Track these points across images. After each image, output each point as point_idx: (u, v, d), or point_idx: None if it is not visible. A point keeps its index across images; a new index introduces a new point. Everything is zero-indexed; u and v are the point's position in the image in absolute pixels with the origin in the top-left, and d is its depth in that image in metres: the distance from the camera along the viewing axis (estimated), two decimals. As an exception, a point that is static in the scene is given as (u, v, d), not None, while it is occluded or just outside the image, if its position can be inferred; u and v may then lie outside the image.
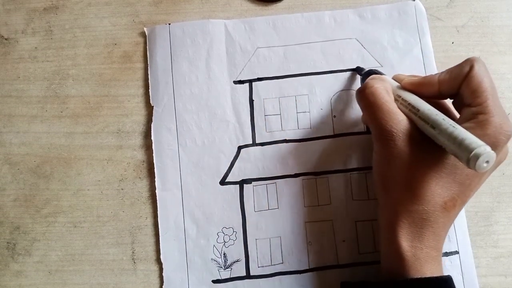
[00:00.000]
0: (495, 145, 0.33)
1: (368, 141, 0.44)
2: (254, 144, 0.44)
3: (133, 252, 0.43)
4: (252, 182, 0.44)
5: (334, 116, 0.45)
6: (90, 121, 0.45)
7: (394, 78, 0.40)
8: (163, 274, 0.42)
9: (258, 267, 0.42)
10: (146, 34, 0.46)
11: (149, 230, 0.43)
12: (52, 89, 0.46)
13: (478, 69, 0.34)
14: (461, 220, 0.43)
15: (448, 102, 0.39)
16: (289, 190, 0.43)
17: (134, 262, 0.43)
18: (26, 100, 0.46)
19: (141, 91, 0.46)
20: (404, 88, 0.38)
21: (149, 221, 0.44)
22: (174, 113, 0.45)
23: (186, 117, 0.45)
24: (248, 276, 0.42)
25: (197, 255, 0.42)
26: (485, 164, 0.29)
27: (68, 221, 0.44)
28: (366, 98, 0.36)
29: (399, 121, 0.35)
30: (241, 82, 0.45)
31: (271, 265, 0.42)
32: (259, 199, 0.43)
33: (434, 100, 0.37)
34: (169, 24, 0.46)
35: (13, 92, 0.46)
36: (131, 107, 0.46)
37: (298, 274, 0.42)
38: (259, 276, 0.42)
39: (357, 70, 0.45)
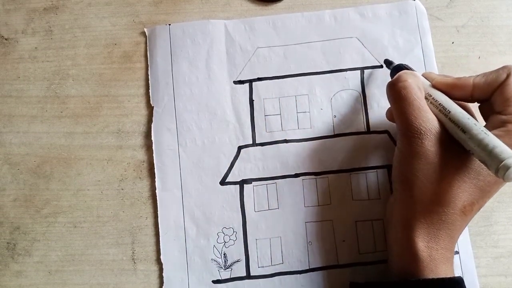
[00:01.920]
0: None
1: (368, 141, 0.44)
2: (254, 144, 0.44)
3: (133, 252, 0.43)
4: (252, 182, 0.44)
5: (334, 116, 0.45)
6: (90, 121, 0.45)
7: (425, 76, 0.39)
8: (163, 274, 0.42)
9: (258, 267, 0.42)
10: (146, 34, 0.47)
11: (149, 230, 0.43)
12: (52, 89, 0.46)
13: None
14: (461, 220, 0.43)
15: (471, 106, 0.38)
16: (289, 190, 0.43)
17: (134, 262, 0.43)
18: (26, 100, 0.46)
19: (141, 91, 0.46)
20: (435, 87, 0.37)
21: (149, 221, 0.44)
22: (174, 113, 0.45)
23: (186, 117, 0.45)
24: (248, 276, 0.42)
25: (197, 255, 0.42)
26: None
27: (68, 221, 0.44)
28: (397, 91, 0.35)
29: (429, 120, 0.34)
30: (241, 82, 0.45)
31: (271, 265, 0.42)
32: (259, 199, 0.43)
33: (460, 102, 0.37)
34: (169, 24, 0.46)
35: (13, 92, 0.46)
36: (131, 107, 0.46)
37: (298, 274, 0.42)
38: (259, 276, 0.42)
39: (386, 63, 0.44)
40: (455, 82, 0.36)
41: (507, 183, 0.43)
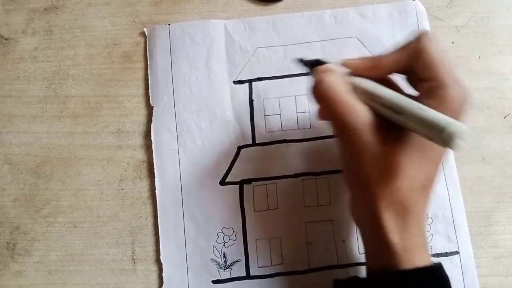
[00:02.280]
0: (458, 116, 0.32)
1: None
2: (254, 144, 0.44)
3: (133, 252, 0.43)
4: (252, 182, 0.44)
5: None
6: (90, 121, 0.45)
7: (344, 65, 0.36)
8: (163, 274, 0.42)
9: (258, 267, 0.42)
10: (146, 34, 0.47)
11: (149, 230, 0.43)
12: (52, 89, 0.46)
13: (429, 43, 0.33)
14: (462, 220, 0.43)
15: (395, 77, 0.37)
16: (289, 190, 0.43)
17: (134, 262, 0.43)
18: (26, 100, 0.46)
19: (141, 91, 0.46)
20: (356, 74, 0.35)
21: (149, 221, 0.44)
22: (174, 113, 0.45)
23: (186, 117, 0.45)
24: (248, 276, 0.42)
25: (197, 255, 0.42)
26: (460, 141, 0.28)
27: (68, 221, 0.44)
28: (322, 93, 0.34)
29: (360, 112, 0.33)
30: (240, 82, 0.45)
31: (271, 265, 0.42)
32: (259, 199, 0.43)
33: (382, 78, 0.36)
34: (169, 24, 0.46)
35: (13, 92, 0.46)
36: (131, 107, 0.46)
37: (298, 275, 0.42)
38: (259, 277, 0.42)
39: (302, 62, 0.40)
40: (374, 63, 0.35)
41: (507, 182, 0.43)
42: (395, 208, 0.33)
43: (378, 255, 0.34)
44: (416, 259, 0.33)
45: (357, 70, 0.35)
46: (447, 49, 0.34)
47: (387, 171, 0.32)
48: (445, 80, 0.32)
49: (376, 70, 0.35)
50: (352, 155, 0.34)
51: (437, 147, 0.32)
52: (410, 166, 0.32)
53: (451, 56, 0.34)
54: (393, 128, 0.32)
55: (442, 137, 0.28)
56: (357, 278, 0.35)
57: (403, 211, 0.33)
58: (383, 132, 0.33)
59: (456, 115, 0.32)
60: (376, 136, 0.33)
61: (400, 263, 0.32)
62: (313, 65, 0.37)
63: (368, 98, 0.33)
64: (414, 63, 0.34)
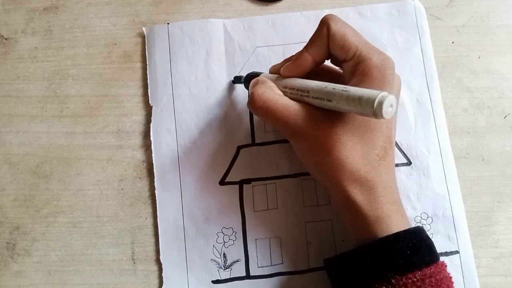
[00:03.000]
0: (386, 82, 0.34)
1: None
2: (253, 144, 0.44)
3: (133, 252, 0.43)
4: (252, 182, 0.44)
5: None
6: (90, 121, 0.45)
7: (271, 71, 0.40)
8: (163, 274, 0.42)
9: (258, 267, 0.42)
10: (145, 33, 0.47)
11: (149, 230, 0.43)
12: (52, 89, 0.46)
13: (335, 26, 0.35)
14: (461, 220, 0.43)
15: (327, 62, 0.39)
16: (288, 190, 0.43)
17: (134, 262, 0.43)
18: (26, 100, 0.46)
19: (141, 91, 0.46)
20: (284, 76, 0.38)
21: (149, 221, 0.44)
22: (173, 113, 0.45)
23: (185, 117, 0.45)
24: (248, 276, 0.42)
25: (196, 255, 0.42)
26: (390, 109, 0.29)
27: (68, 221, 0.44)
28: (258, 107, 0.36)
29: (298, 111, 0.35)
30: (240, 81, 0.45)
31: (271, 265, 0.42)
32: (258, 199, 0.43)
33: (315, 71, 0.38)
34: (168, 23, 0.46)
35: (13, 92, 0.46)
36: (131, 107, 0.46)
37: (298, 274, 0.42)
38: (259, 276, 0.42)
39: (235, 81, 0.45)
40: (295, 63, 0.37)
41: (507, 182, 0.43)
42: (359, 184, 0.35)
43: (357, 230, 0.36)
44: (392, 226, 0.34)
45: (284, 72, 0.38)
46: (350, 25, 0.36)
47: (339, 154, 0.34)
48: (362, 54, 0.35)
49: (298, 68, 0.38)
50: (304, 150, 0.37)
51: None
52: (359, 143, 0.35)
53: (357, 31, 0.36)
54: (334, 115, 0.34)
55: (372, 111, 0.30)
56: (344, 253, 0.36)
57: (368, 185, 0.35)
58: (325, 121, 0.35)
59: (382, 82, 0.34)
60: (318, 127, 0.35)
61: (375, 232, 0.34)
62: (248, 80, 0.40)
63: (299, 95, 0.36)
64: (329, 49, 0.36)
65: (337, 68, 0.40)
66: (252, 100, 0.36)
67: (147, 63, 0.46)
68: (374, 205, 0.35)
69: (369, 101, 0.30)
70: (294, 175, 0.44)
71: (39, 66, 0.46)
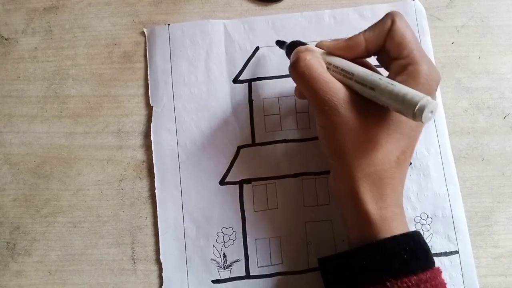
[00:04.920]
0: (429, 92, 0.34)
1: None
2: (253, 144, 0.44)
3: (133, 252, 0.43)
4: (252, 182, 0.44)
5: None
6: (90, 121, 0.45)
7: (319, 46, 0.39)
8: (163, 274, 0.42)
9: (258, 267, 0.42)
10: (146, 34, 0.47)
11: (149, 230, 0.43)
12: (52, 89, 0.46)
13: (399, 22, 0.35)
14: (461, 220, 0.43)
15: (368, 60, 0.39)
16: (288, 190, 0.43)
17: (134, 262, 0.43)
18: (26, 100, 0.46)
19: (141, 91, 0.46)
20: (331, 54, 0.37)
21: (149, 221, 0.44)
22: (174, 113, 0.45)
23: (185, 117, 0.45)
24: (247, 276, 0.42)
25: (196, 255, 0.42)
26: (430, 114, 0.30)
27: (68, 221, 0.44)
28: (300, 72, 0.36)
29: (338, 89, 0.35)
30: (240, 82, 0.45)
31: (271, 265, 0.42)
32: (258, 199, 0.43)
33: (357, 60, 0.37)
34: (168, 24, 0.46)
35: (13, 92, 0.46)
36: (131, 107, 0.46)
37: (298, 274, 0.42)
38: (259, 276, 0.42)
39: (278, 44, 0.44)
40: (348, 43, 0.37)
41: (507, 182, 0.43)
42: (371, 180, 0.34)
43: (358, 226, 0.36)
44: (394, 227, 0.34)
45: (333, 50, 0.37)
46: (413, 29, 0.36)
47: (363, 144, 0.34)
48: (416, 58, 0.34)
49: (348, 49, 0.37)
50: (330, 129, 0.36)
51: (412, 123, 0.35)
52: (386, 140, 0.34)
53: (415, 35, 0.36)
54: (370, 105, 0.34)
55: (412, 111, 0.29)
56: (340, 253, 0.36)
57: (379, 183, 0.34)
58: (360, 108, 0.34)
59: (426, 90, 0.33)
60: (352, 111, 0.34)
61: (378, 232, 0.34)
62: (292, 47, 0.39)
63: (343, 75, 0.35)
64: (385, 42, 0.35)
65: (371, 65, 0.39)
66: (296, 63, 0.36)
67: (147, 63, 0.46)
68: (380, 203, 0.34)
69: (413, 101, 0.30)
70: (294, 175, 0.44)
71: (39, 66, 0.46)
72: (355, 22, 0.46)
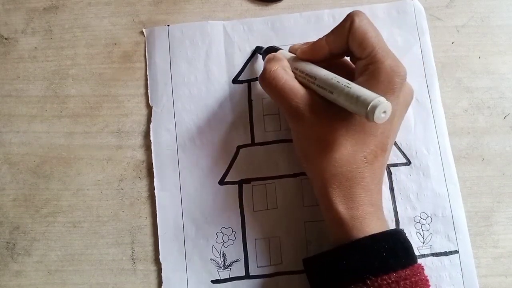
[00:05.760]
0: (392, 89, 0.34)
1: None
2: (253, 144, 0.44)
3: (132, 252, 0.43)
4: (251, 182, 0.44)
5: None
6: (90, 121, 0.45)
7: (291, 50, 0.41)
8: (162, 274, 0.42)
9: (258, 267, 0.42)
10: (145, 35, 0.47)
11: (149, 230, 0.43)
12: (52, 89, 0.46)
13: (359, 22, 0.35)
14: (461, 220, 0.43)
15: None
16: (288, 189, 0.43)
17: (134, 262, 0.43)
18: (26, 100, 0.46)
19: (141, 91, 0.46)
20: (300, 59, 0.39)
21: (149, 221, 0.44)
22: (173, 113, 0.45)
23: (185, 117, 0.45)
24: (247, 276, 0.42)
25: (196, 255, 0.42)
26: (383, 115, 0.30)
27: (68, 221, 0.44)
28: (268, 83, 0.37)
29: (302, 95, 0.36)
30: (239, 82, 0.45)
31: (270, 265, 0.42)
32: (258, 199, 0.43)
33: (334, 61, 0.38)
34: (168, 25, 0.46)
35: (13, 92, 0.46)
36: (131, 107, 0.46)
37: (298, 274, 0.42)
38: (259, 276, 0.42)
39: (257, 50, 0.45)
40: (311, 47, 0.38)
41: (507, 182, 0.43)
42: (338, 180, 0.35)
43: (332, 226, 0.36)
44: (366, 227, 0.35)
45: (299, 54, 0.39)
46: (374, 25, 0.36)
47: (328, 145, 0.35)
48: (377, 56, 0.35)
49: (313, 53, 0.38)
50: (298, 134, 0.37)
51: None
52: (350, 141, 0.35)
53: (379, 33, 0.36)
54: (334, 108, 0.35)
55: (365, 111, 0.30)
56: (322, 253, 0.37)
57: (348, 183, 0.35)
58: (324, 112, 0.35)
59: (387, 87, 0.34)
60: (317, 115, 0.35)
61: (350, 231, 0.34)
62: (266, 53, 0.41)
63: (307, 80, 0.36)
64: (347, 43, 0.36)
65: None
66: (263, 75, 0.37)
67: (147, 64, 0.46)
68: (349, 204, 0.35)
69: (365, 103, 0.30)
70: (294, 175, 0.44)
71: (39, 66, 0.46)
72: (354, 22, 0.46)
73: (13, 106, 0.46)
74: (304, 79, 0.37)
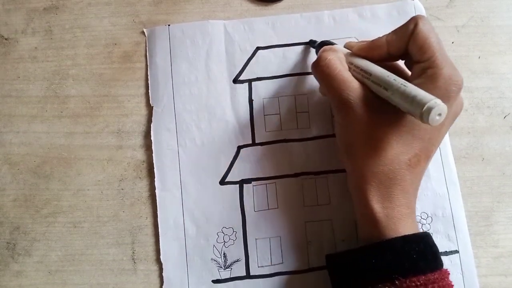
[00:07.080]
0: (447, 97, 0.34)
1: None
2: (253, 143, 0.44)
3: (133, 252, 0.43)
4: (252, 182, 0.44)
5: (333, 116, 0.45)
6: (90, 121, 0.45)
7: (346, 46, 0.40)
8: (163, 274, 0.42)
9: (258, 267, 0.42)
10: (146, 35, 0.47)
11: (149, 230, 0.43)
12: (52, 89, 0.46)
13: (422, 26, 0.35)
14: (461, 219, 0.43)
15: (401, 63, 0.39)
16: (288, 189, 0.43)
17: (134, 262, 0.43)
18: (26, 100, 0.46)
19: (141, 91, 0.46)
20: (355, 54, 0.38)
21: (149, 221, 0.44)
22: (174, 113, 0.45)
23: (185, 117, 0.45)
24: (248, 276, 0.42)
25: (197, 255, 0.42)
26: (437, 117, 0.30)
27: (68, 221, 0.44)
28: (321, 70, 0.37)
29: (355, 88, 0.36)
30: (240, 82, 0.45)
31: (271, 265, 0.42)
32: (258, 199, 0.43)
33: (386, 63, 0.38)
34: (169, 25, 0.46)
35: (13, 92, 0.46)
36: (131, 107, 0.46)
37: (298, 274, 0.42)
38: (259, 276, 0.42)
39: (310, 43, 0.46)
40: (370, 44, 0.38)
41: (507, 182, 0.43)
42: (378, 179, 0.35)
43: (365, 223, 0.36)
44: (400, 227, 0.34)
45: (356, 50, 0.39)
46: (437, 32, 0.35)
47: (373, 142, 0.35)
48: (436, 61, 0.34)
49: (370, 50, 0.38)
50: (344, 126, 0.37)
51: (427, 127, 0.34)
52: (397, 141, 0.35)
53: (440, 39, 0.35)
54: (386, 106, 0.34)
55: (420, 111, 0.30)
56: (349, 251, 0.36)
57: (388, 182, 0.35)
58: (375, 108, 0.35)
59: (444, 94, 0.34)
60: (366, 110, 0.35)
61: (383, 231, 0.34)
62: (321, 46, 0.41)
63: (362, 75, 0.36)
64: (407, 45, 0.36)
65: (408, 71, 0.39)
66: (317, 62, 0.37)
67: (147, 64, 0.46)
68: (386, 203, 0.35)
69: (421, 103, 0.30)
70: (294, 175, 0.44)
71: (39, 66, 0.46)
72: (354, 23, 0.46)
73: (13, 106, 0.46)
74: (358, 74, 0.36)
